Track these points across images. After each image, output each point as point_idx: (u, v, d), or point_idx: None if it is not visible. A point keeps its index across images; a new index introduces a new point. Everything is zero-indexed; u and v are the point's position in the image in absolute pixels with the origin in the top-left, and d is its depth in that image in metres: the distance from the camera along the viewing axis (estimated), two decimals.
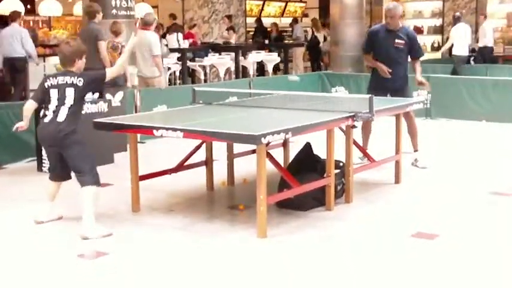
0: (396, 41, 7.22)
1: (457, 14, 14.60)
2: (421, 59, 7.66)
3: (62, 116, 5.05)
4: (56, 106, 5.08)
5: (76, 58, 5.19)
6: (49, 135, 5.11)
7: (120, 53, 9.44)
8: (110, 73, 5.40)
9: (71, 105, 5.08)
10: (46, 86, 5.16)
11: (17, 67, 11.70)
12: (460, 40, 13.96)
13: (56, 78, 5.17)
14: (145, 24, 9.80)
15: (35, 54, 11.98)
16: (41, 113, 5.24)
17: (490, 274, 4.28)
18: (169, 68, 13.72)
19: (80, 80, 5.11)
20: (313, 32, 18.64)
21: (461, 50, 13.93)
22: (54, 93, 5.10)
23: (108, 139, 7.20)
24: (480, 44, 15.25)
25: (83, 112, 7.24)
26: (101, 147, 7.26)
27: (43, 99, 5.18)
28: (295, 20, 20.53)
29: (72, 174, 5.24)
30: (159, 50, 9.91)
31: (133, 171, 5.71)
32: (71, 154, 5.07)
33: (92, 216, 5.02)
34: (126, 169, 5.78)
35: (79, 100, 5.16)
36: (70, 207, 5.48)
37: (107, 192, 6.09)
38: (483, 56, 15.13)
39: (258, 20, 20.15)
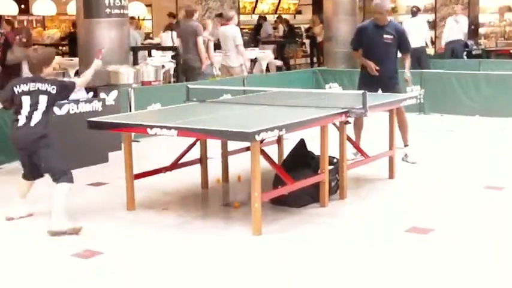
0: (385, 36, 7.22)
1: (414, 8, 14.58)
2: None
3: (35, 121, 5.14)
4: (29, 112, 5.15)
5: (43, 66, 5.25)
6: (22, 138, 5.20)
7: (206, 46, 10.84)
8: (79, 82, 5.73)
9: (43, 112, 5.17)
10: (16, 92, 5.19)
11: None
12: (415, 33, 13.94)
13: (26, 84, 5.20)
14: (226, 20, 11.44)
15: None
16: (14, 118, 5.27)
17: (485, 268, 4.31)
18: (163, 66, 13.69)
19: (53, 88, 5.20)
20: (284, 30, 18.54)
21: (416, 41, 13.89)
22: (26, 100, 5.16)
23: (103, 138, 7.19)
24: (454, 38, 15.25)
25: (77, 111, 7.26)
26: (96, 146, 7.27)
27: (11, 103, 5.24)
28: (263, 18, 20.29)
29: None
30: (241, 40, 11.24)
31: (128, 170, 5.71)
32: (44, 157, 5.15)
33: (62, 211, 5.07)
34: (121, 168, 5.79)
35: (51, 106, 5.30)
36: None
37: (102, 191, 6.10)
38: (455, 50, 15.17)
39: (259, 18, 20.09)
